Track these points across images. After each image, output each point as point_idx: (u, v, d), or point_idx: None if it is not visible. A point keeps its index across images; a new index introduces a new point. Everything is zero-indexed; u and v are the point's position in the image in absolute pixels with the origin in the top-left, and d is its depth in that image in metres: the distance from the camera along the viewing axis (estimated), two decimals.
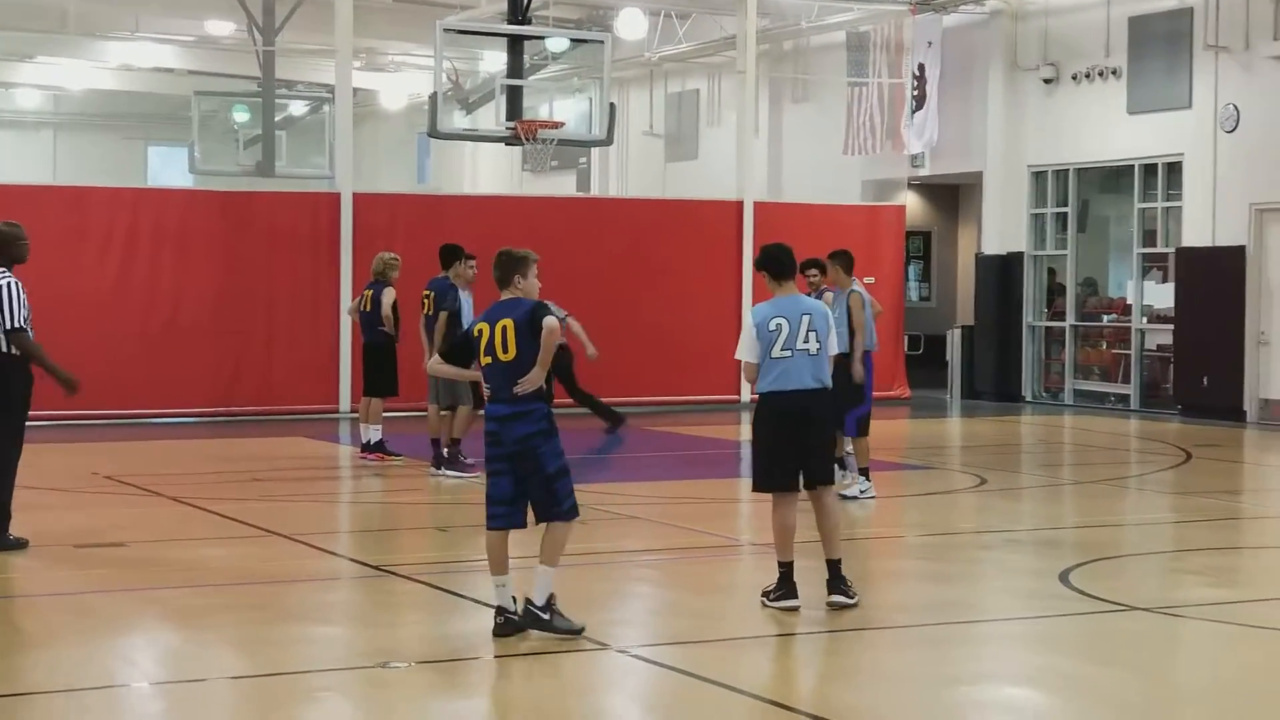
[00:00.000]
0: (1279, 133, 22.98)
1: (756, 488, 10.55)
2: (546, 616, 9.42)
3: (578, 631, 9.42)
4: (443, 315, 16.76)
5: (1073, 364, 26.94)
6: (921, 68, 28.20)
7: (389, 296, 17.87)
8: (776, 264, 10.46)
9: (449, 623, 10.20)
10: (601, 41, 23.81)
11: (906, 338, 27.91)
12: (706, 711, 8.29)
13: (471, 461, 16.97)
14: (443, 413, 17.07)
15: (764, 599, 10.36)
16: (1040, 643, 9.80)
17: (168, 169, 44.96)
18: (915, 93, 28.28)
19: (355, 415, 20.72)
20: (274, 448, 19.89)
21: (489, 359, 9.49)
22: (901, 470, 18.57)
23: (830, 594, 10.29)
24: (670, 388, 24.82)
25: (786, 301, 10.34)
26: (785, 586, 10.29)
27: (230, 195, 24.81)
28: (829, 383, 10.34)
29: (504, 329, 9.45)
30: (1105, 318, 26.78)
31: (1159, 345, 25.54)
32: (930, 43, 28.12)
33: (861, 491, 15.43)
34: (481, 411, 16.62)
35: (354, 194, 23.96)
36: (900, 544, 13.83)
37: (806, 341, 10.20)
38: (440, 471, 16.79)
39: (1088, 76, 25.95)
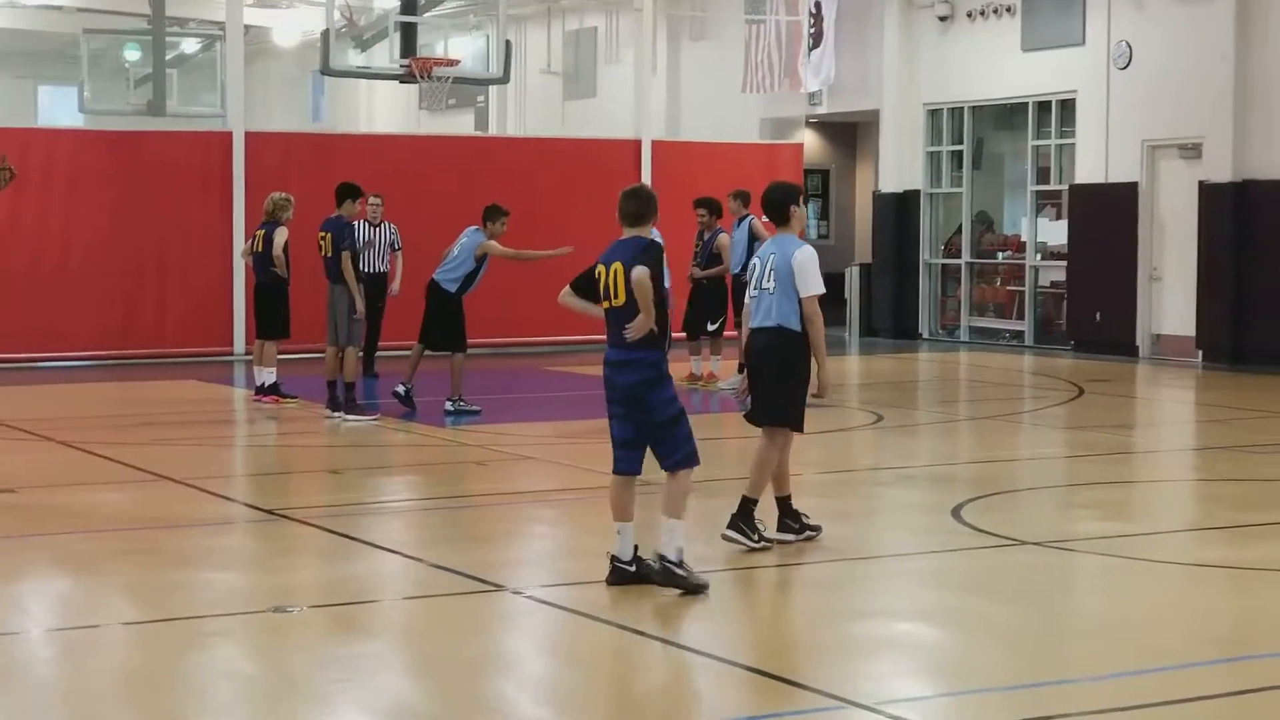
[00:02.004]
0: (1171, 70, 23.17)
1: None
2: (683, 572, 9.10)
3: (704, 587, 9.13)
4: (345, 255, 16.62)
5: (968, 301, 27.14)
6: (818, 5, 28.18)
7: (281, 237, 17.70)
8: (769, 209, 10.54)
9: (343, 566, 10.15)
10: None
11: None
12: (601, 652, 8.31)
13: (365, 403, 16.93)
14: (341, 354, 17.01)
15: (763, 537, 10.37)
16: (933, 578, 9.88)
17: (57, 108, 44.31)
18: (812, 31, 28.27)
19: (249, 358, 20.58)
20: (167, 391, 19.69)
21: (606, 303, 9.29)
22: None
23: (727, 528, 10.31)
24: (567, 327, 24.72)
25: (771, 243, 10.47)
26: (785, 521, 10.52)
27: (121, 135, 24.48)
28: (787, 325, 10.24)
29: (615, 273, 9.23)
30: (1000, 255, 26.98)
31: (1052, 282, 25.77)
32: None
33: None
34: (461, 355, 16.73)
35: (246, 133, 23.69)
36: (796, 481, 13.82)
37: (768, 281, 10.26)
38: (336, 414, 16.68)
39: (982, 14, 26.05)
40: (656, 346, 9.27)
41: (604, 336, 9.44)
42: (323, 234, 16.91)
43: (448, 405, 17.07)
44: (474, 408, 17.06)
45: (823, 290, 10.36)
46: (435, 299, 17.05)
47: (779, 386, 10.35)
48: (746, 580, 9.79)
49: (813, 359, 10.40)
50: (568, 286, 9.64)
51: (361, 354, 17.49)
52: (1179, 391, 20.60)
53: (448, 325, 17.00)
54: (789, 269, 10.19)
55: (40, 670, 7.97)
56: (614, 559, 9.30)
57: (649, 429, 9.26)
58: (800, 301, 10.21)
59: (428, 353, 17.27)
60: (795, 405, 10.42)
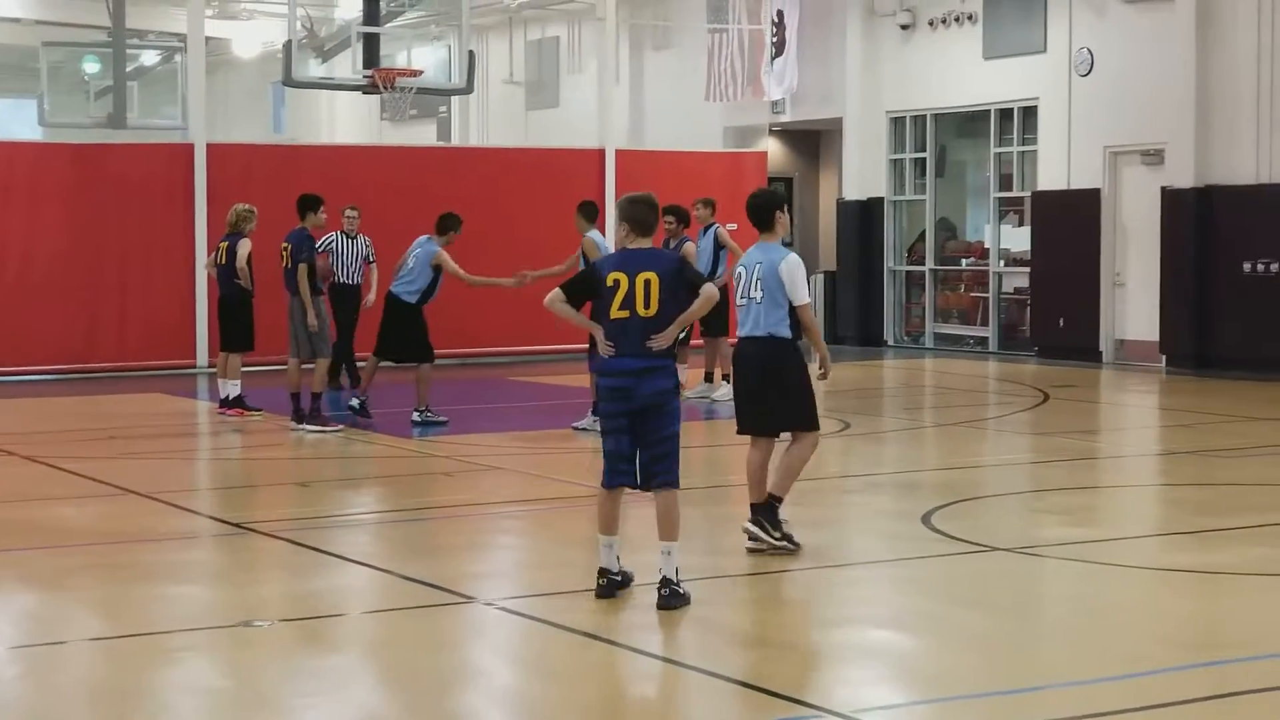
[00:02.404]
0: (1132, 76, 23.27)
1: (738, 431, 10.64)
2: (683, 591, 9.06)
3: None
4: (301, 267, 16.57)
5: (933, 308, 27.19)
6: (780, 14, 28.24)
7: (244, 249, 17.62)
8: (754, 216, 10.54)
9: (312, 580, 10.09)
10: None
11: None
12: (574, 663, 8.28)
13: (330, 415, 16.88)
14: (303, 366, 16.93)
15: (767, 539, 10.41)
16: (906, 585, 9.88)
17: (15, 121, 44.03)
18: (775, 39, 28.32)
19: (213, 370, 20.48)
20: (131, 405, 19.58)
21: (625, 313, 9.06)
22: None
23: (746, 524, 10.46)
24: (532, 338, 24.72)
25: (755, 250, 10.45)
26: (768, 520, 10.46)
27: (81, 148, 24.35)
28: (778, 332, 10.29)
29: (647, 282, 9.06)
30: (964, 261, 27.04)
31: (1016, 288, 25.84)
32: None
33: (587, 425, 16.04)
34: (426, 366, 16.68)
35: (208, 145, 23.59)
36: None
37: (756, 290, 10.29)
38: (300, 426, 16.62)
39: (944, 22, 26.12)
40: (673, 354, 9.26)
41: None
42: (285, 245, 16.86)
43: (415, 416, 17.03)
44: (441, 418, 17.04)
45: (809, 298, 10.45)
46: (395, 311, 17.02)
47: (787, 398, 10.42)
48: (719, 589, 9.77)
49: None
50: (558, 291, 9.30)
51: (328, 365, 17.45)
52: (1143, 396, 20.68)
53: (412, 336, 16.96)
54: (776, 277, 10.22)
55: (3, 688, 7.89)
56: (604, 572, 9.25)
57: (655, 441, 9.14)
58: (794, 310, 10.25)
59: (389, 364, 17.23)
60: (809, 407, 10.54)
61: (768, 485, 10.47)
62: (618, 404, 9.17)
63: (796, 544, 10.43)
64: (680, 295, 9.15)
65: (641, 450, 9.18)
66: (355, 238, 20.10)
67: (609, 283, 9.11)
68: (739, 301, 10.42)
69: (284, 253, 16.83)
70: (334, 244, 19.95)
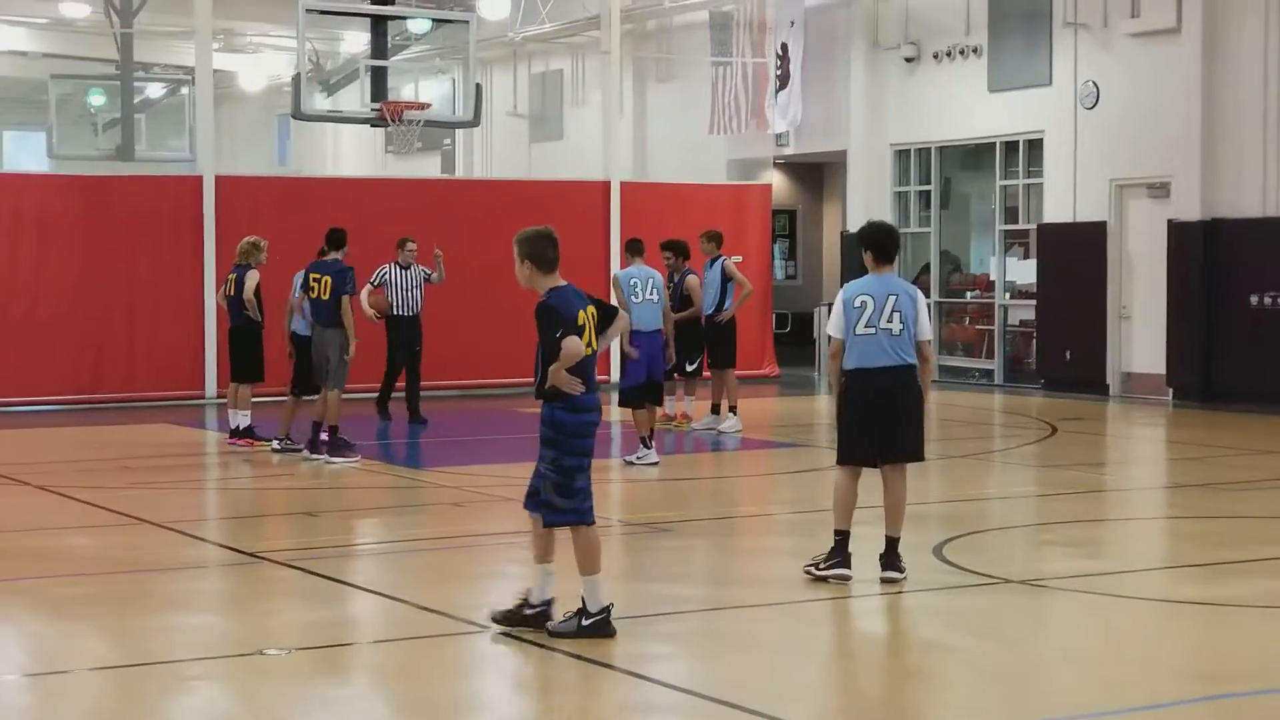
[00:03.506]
0: (1138, 109, 23.34)
1: (839, 461, 10.67)
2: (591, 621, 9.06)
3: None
4: (346, 300, 16.63)
5: (937, 340, 27.18)
6: (785, 47, 28.34)
7: (252, 280, 17.67)
8: (880, 246, 10.61)
9: (324, 608, 10.12)
10: (466, 22, 23.69)
11: (774, 316, 28.07)
12: (583, 692, 8.30)
13: (355, 443, 16.88)
14: (305, 398, 17.07)
15: (813, 569, 10.45)
16: (917, 616, 9.90)
17: (23, 154, 44.21)
18: (779, 72, 28.42)
19: (222, 401, 20.52)
20: (140, 435, 19.62)
21: (590, 349, 9.10)
22: (770, 448, 18.70)
23: (884, 569, 10.44)
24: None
25: (877, 281, 10.49)
26: (838, 555, 10.45)
27: (89, 180, 24.43)
28: (913, 360, 10.42)
29: (591, 317, 9.11)
30: (969, 294, 27.09)
31: (1021, 321, 25.88)
32: (793, 22, 28.27)
33: (639, 458, 16.30)
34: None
35: (216, 177, 23.66)
36: (770, 521, 13.93)
37: (890, 321, 10.34)
38: (317, 457, 16.62)
39: (949, 55, 26.20)
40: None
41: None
42: (318, 276, 16.79)
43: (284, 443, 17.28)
44: (297, 447, 17.13)
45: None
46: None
47: (916, 424, 10.60)
48: (731, 619, 9.79)
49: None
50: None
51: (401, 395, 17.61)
52: (1150, 429, 20.70)
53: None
54: (914, 309, 10.39)
55: (15, 717, 7.89)
56: (549, 603, 9.16)
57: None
58: (919, 344, 10.44)
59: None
60: (923, 437, 10.73)
61: (888, 529, 10.53)
62: (590, 440, 9.23)
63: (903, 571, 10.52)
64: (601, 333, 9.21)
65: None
66: (410, 268, 19.98)
67: (580, 321, 9.06)
68: (862, 331, 10.40)
69: (316, 284, 16.75)
70: (389, 276, 19.86)
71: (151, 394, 22.96)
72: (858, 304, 10.44)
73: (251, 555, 11.69)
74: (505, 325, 24.06)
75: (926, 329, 10.54)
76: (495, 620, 9.17)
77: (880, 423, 10.46)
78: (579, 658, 8.70)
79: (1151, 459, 18.57)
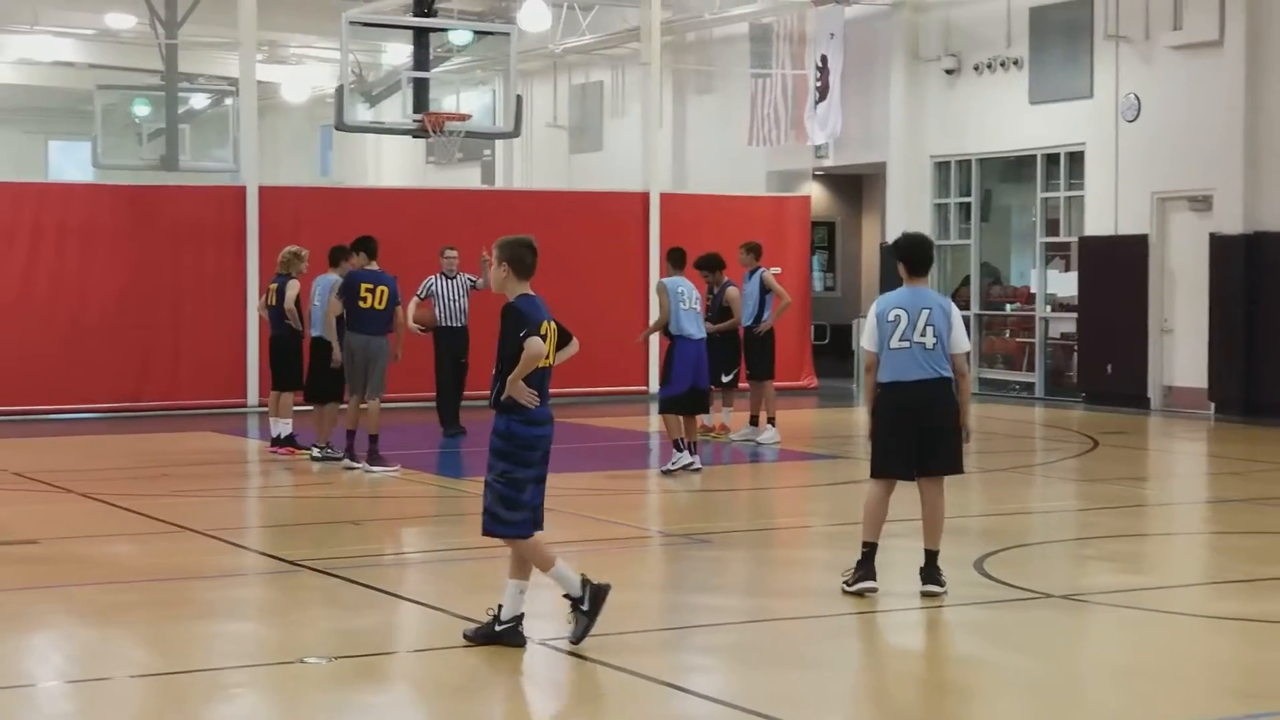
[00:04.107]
0: (1180, 122, 23.26)
1: (873, 474, 10.65)
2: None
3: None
4: (397, 309, 16.75)
5: (977, 353, 27.14)
6: (824, 59, 28.34)
7: (292, 290, 17.80)
8: (914, 258, 10.62)
9: (367, 617, 10.15)
10: (507, 34, 23.77)
11: (813, 327, 28.06)
12: (626, 703, 8.31)
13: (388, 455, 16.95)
14: (338, 407, 17.18)
15: (843, 585, 10.45)
16: (959, 630, 9.89)
17: (69, 164, 44.48)
18: (818, 84, 28.41)
19: (263, 409, 20.62)
20: (183, 443, 19.73)
21: (549, 361, 9.19)
22: (809, 460, 18.71)
23: (924, 583, 10.43)
24: (577, 380, 24.76)
25: (910, 294, 10.48)
26: (865, 568, 10.44)
27: (134, 189, 24.62)
28: (947, 373, 10.42)
29: (552, 331, 9.19)
30: (1008, 306, 27.02)
31: (1062, 333, 25.81)
32: (833, 34, 28.24)
33: (674, 464, 16.42)
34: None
35: (260, 187, 23.79)
36: (809, 533, 13.92)
37: (923, 335, 10.34)
38: (357, 465, 16.69)
39: (989, 67, 26.17)
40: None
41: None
42: (370, 286, 16.73)
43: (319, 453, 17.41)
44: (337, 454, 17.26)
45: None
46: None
47: (957, 437, 10.59)
48: (770, 631, 9.80)
49: None
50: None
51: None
52: (1192, 444, 20.61)
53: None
54: (948, 321, 10.40)
55: None
56: (523, 618, 9.13)
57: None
58: (954, 357, 10.44)
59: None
60: (960, 450, 10.70)
61: (926, 542, 10.52)
62: (542, 452, 9.24)
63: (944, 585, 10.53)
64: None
65: (541, 494, 9.23)
66: (455, 278, 19.80)
67: (542, 331, 9.08)
68: (896, 345, 10.38)
69: (370, 294, 16.79)
70: (435, 287, 19.64)
71: (194, 402, 23.10)
72: (891, 318, 10.41)
73: (292, 563, 11.74)
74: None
75: (963, 341, 10.53)
76: (467, 637, 9.14)
77: (915, 436, 10.44)
78: (618, 669, 8.72)
79: (1193, 473, 18.50)
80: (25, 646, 9.45)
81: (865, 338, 10.64)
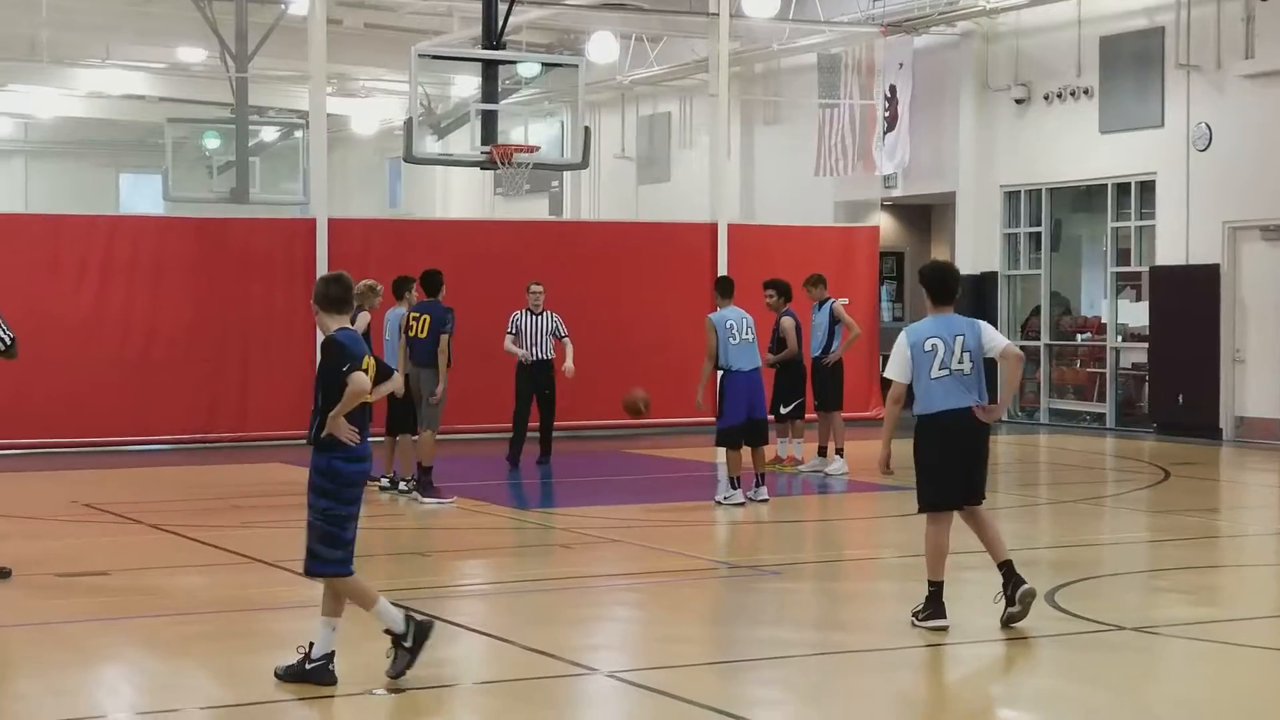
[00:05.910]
0: (1251, 151, 23.09)
1: (926, 508, 10.58)
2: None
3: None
4: (443, 338, 16.77)
5: (1048, 383, 26.99)
6: (893, 89, 28.30)
7: (362, 322, 17.80)
8: (940, 286, 10.59)
9: (435, 649, 10.12)
10: (575, 65, 23.80)
11: (881, 358, 27.93)
12: None
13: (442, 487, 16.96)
14: (412, 438, 17.20)
15: (913, 619, 10.42)
16: (1032, 663, 9.81)
17: (139, 196, 44.93)
18: (887, 114, 28.37)
19: None
20: (252, 474, 19.82)
21: (370, 397, 9.16)
22: (879, 491, 18.59)
23: (1013, 591, 10.38)
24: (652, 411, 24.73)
25: (941, 322, 10.45)
26: (934, 606, 10.39)
27: (204, 222, 24.77)
28: (983, 399, 10.41)
29: (370, 367, 9.15)
30: (1079, 336, 26.85)
31: (1134, 364, 25.62)
32: (901, 64, 28.21)
33: (726, 498, 16.44)
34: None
35: (329, 219, 23.92)
36: (879, 565, 13.84)
37: (961, 362, 10.33)
38: (411, 495, 16.78)
39: (1059, 96, 26.05)
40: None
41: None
42: (417, 315, 16.97)
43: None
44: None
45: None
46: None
47: (987, 464, 10.63)
48: (837, 664, 9.74)
49: None
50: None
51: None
52: (1265, 475, 20.38)
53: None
54: (979, 343, 10.39)
55: None
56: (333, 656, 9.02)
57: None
58: (1003, 350, 10.47)
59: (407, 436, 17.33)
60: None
61: (996, 555, 10.50)
62: (361, 489, 9.19)
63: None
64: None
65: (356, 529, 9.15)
66: (541, 314, 19.91)
67: (364, 366, 9.01)
68: (937, 374, 10.34)
69: (415, 322, 16.92)
70: (521, 321, 19.78)
71: (263, 434, 23.18)
72: (928, 347, 10.35)
73: None
74: (618, 366, 24.08)
75: (1001, 340, 10.54)
76: (278, 676, 9.03)
77: (965, 464, 10.43)
78: (687, 700, 8.69)
79: (1266, 504, 18.29)
80: (95, 678, 9.50)
81: (892, 368, 10.50)
